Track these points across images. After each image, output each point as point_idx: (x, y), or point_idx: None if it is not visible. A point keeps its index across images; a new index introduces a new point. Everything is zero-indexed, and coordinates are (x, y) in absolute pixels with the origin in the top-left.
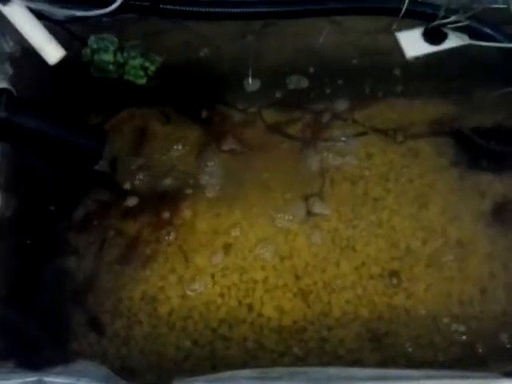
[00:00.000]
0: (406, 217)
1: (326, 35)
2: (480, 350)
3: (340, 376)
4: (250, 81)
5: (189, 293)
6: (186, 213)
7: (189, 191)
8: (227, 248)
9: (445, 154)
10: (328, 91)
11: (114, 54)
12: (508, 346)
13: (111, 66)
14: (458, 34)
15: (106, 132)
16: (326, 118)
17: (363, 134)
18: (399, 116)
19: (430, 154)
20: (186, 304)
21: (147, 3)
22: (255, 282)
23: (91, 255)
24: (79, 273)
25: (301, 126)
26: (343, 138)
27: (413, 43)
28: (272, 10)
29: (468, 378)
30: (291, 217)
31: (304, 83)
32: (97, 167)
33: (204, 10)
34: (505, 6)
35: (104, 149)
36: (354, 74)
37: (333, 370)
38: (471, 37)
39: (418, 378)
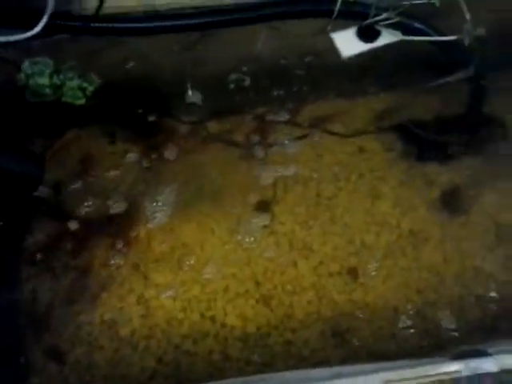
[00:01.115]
0: (359, 212)
1: (264, 41)
2: (439, 337)
3: (297, 378)
4: (191, 92)
5: (149, 311)
6: (140, 231)
7: (140, 209)
8: (184, 262)
9: (392, 149)
10: (269, 95)
11: (50, 76)
12: (462, 330)
13: (47, 90)
14: (391, 31)
15: (43, 157)
16: (269, 122)
17: (307, 135)
18: (342, 115)
19: (378, 150)
20: (148, 322)
21: (77, 23)
22: (216, 292)
23: (45, 285)
24: (34, 304)
25: (246, 133)
26: (287, 142)
27: (348, 43)
28: (208, 20)
29: (419, 365)
30: (246, 224)
31: (245, 89)
32: (37, 193)
33: (138, 25)
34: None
35: (42, 174)
36: (294, 76)
37: (289, 374)
38: (404, 32)
39: (372, 372)
